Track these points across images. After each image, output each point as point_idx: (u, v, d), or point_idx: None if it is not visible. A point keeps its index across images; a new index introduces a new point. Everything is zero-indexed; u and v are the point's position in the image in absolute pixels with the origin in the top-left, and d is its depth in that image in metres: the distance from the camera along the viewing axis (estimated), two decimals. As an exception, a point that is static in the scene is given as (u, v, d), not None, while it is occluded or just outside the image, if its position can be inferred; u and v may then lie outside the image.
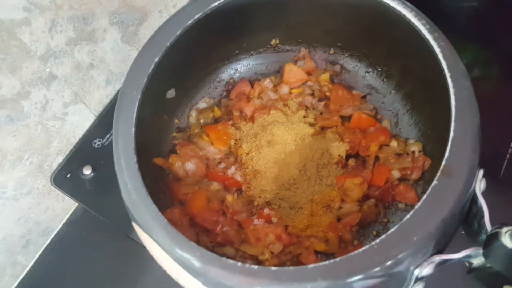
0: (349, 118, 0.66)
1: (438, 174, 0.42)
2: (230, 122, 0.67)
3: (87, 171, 0.69)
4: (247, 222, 0.60)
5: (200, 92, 0.71)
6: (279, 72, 0.71)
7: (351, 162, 0.63)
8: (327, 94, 0.68)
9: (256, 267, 0.40)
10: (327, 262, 0.39)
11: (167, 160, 0.64)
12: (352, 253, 0.39)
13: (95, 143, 0.71)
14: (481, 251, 0.40)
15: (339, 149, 0.62)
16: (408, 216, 0.41)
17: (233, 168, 0.64)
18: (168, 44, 0.54)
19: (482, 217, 0.42)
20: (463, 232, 0.46)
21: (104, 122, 0.73)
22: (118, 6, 0.68)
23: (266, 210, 0.60)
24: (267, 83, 0.70)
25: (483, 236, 0.41)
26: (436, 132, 0.58)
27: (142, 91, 0.51)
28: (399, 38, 0.56)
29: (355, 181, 0.59)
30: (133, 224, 0.47)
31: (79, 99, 0.69)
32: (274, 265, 0.42)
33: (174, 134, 0.68)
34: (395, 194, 0.60)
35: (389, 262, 0.39)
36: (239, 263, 0.40)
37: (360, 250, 0.39)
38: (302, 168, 0.62)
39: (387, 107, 0.67)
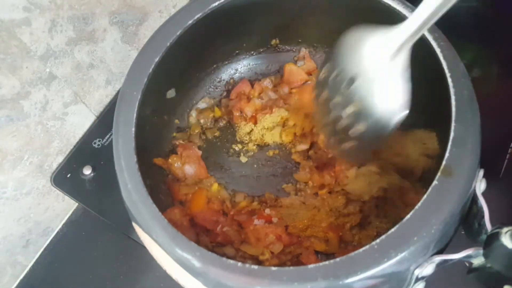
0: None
1: (438, 174, 0.42)
2: None
3: (87, 171, 0.69)
4: (247, 222, 0.60)
5: (200, 92, 0.71)
6: (279, 72, 0.72)
7: None
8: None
9: (256, 267, 0.40)
10: (327, 262, 0.39)
11: (167, 160, 0.64)
12: (352, 253, 0.39)
13: (95, 143, 0.71)
14: (481, 251, 0.40)
15: None
16: (408, 216, 0.40)
17: None
18: (168, 44, 0.54)
19: (482, 217, 0.42)
20: (463, 232, 0.46)
21: (104, 122, 0.73)
22: (118, 6, 0.68)
23: (267, 211, 0.60)
24: (267, 83, 0.70)
25: (483, 236, 0.41)
26: (436, 132, 0.58)
27: (142, 91, 0.51)
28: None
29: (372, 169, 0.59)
30: (133, 224, 0.47)
31: (79, 99, 0.69)
32: (274, 265, 0.42)
33: (174, 134, 0.68)
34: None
35: (389, 262, 0.39)
36: (239, 263, 0.40)
37: (360, 250, 0.39)
38: None
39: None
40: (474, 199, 0.44)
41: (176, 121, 0.68)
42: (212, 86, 0.72)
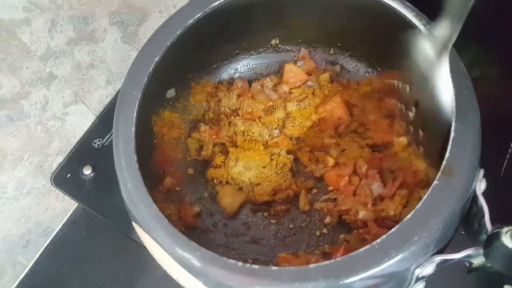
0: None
1: (439, 174, 0.42)
2: None
3: (87, 171, 0.69)
4: None
5: (200, 91, 0.71)
6: (279, 72, 0.71)
7: None
8: (326, 93, 0.68)
9: (256, 267, 0.40)
10: (328, 262, 0.39)
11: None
12: (353, 253, 0.39)
13: (95, 143, 0.71)
14: (481, 251, 0.40)
15: None
16: (408, 216, 0.41)
17: None
18: (168, 43, 0.54)
19: (483, 217, 0.42)
20: (463, 232, 0.46)
21: (104, 122, 0.73)
22: (118, 6, 0.68)
23: None
24: (267, 82, 0.70)
25: (484, 236, 0.41)
26: (436, 132, 0.58)
27: (143, 91, 0.51)
28: (399, 38, 0.56)
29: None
30: (133, 224, 0.47)
31: (79, 99, 0.69)
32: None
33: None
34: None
35: (390, 262, 0.39)
36: (240, 263, 0.40)
37: (361, 250, 0.39)
38: None
39: (387, 107, 0.66)
40: (474, 199, 0.44)
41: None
42: (212, 86, 0.72)
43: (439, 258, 0.41)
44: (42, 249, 0.69)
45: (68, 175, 0.69)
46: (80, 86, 0.68)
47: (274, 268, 0.40)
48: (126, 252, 0.66)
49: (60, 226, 0.71)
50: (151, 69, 0.52)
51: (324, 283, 0.38)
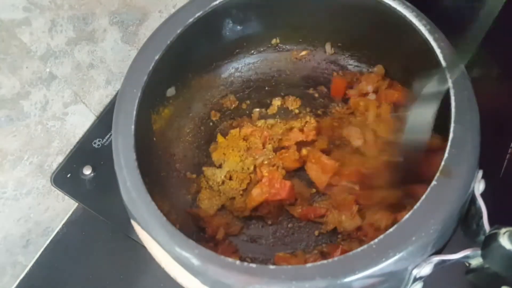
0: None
1: (437, 174, 0.42)
2: None
3: (87, 171, 0.69)
4: None
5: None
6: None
7: None
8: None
9: (254, 265, 0.40)
10: (325, 261, 0.39)
11: None
12: (350, 253, 0.39)
13: (95, 143, 0.72)
14: (479, 252, 0.40)
15: None
16: (406, 216, 0.40)
17: None
18: (168, 42, 0.54)
19: (481, 218, 0.42)
20: (461, 233, 0.46)
21: (104, 122, 0.73)
22: (118, 6, 0.68)
23: None
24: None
25: (482, 237, 0.41)
26: (435, 132, 0.58)
27: (142, 89, 0.51)
28: (400, 39, 0.56)
29: None
30: (132, 222, 0.47)
31: (79, 99, 0.69)
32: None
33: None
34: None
35: (388, 262, 0.39)
36: (238, 262, 0.40)
37: (359, 249, 0.39)
38: None
39: (386, 107, 0.66)
40: (472, 199, 0.44)
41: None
42: (212, 85, 0.72)
43: (437, 258, 0.41)
44: (42, 249, 0.69)
45: (68, 175, 0.69)
46: (80, 86, 0.68)
47: (272, 267, 0.40)
48: (126, 252, 0.66)
49: (60, 226, 0.71)
50: (151, 67, 0.52)
51: (321, 282, 0.38)
